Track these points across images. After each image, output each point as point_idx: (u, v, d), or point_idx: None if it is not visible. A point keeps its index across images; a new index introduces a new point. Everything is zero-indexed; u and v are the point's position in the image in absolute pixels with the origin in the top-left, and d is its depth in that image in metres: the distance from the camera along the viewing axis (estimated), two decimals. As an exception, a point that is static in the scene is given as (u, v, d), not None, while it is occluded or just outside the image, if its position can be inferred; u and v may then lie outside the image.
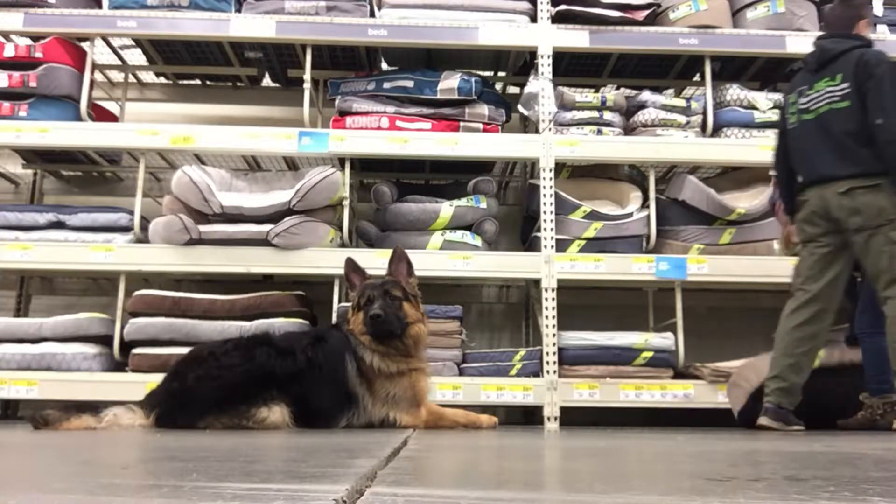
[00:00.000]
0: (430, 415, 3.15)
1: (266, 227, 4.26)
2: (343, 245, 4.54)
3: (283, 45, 4.79)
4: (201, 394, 2.89)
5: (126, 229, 4.43)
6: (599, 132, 4.62)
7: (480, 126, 4.63)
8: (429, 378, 3.28)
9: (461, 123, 4.62)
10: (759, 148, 4.37)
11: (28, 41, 4.69)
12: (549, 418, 4.09)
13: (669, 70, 5.15)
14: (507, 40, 4.67)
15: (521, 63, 5.22)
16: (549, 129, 4.53)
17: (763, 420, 3.43)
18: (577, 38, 4.65)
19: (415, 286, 3.32)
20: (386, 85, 4.70)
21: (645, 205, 4.61)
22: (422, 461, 1.65)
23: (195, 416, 2.85)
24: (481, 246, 4.49)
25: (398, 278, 3.28)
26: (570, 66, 5.11)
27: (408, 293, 3.23)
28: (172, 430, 2.73)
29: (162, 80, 5.62)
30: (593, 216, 4.50)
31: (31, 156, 5.17)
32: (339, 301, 4.29)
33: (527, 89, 4.59)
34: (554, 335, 4.21)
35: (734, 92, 4.75)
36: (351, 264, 3.34)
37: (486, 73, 5.32)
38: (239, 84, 5.57)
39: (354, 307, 3.22)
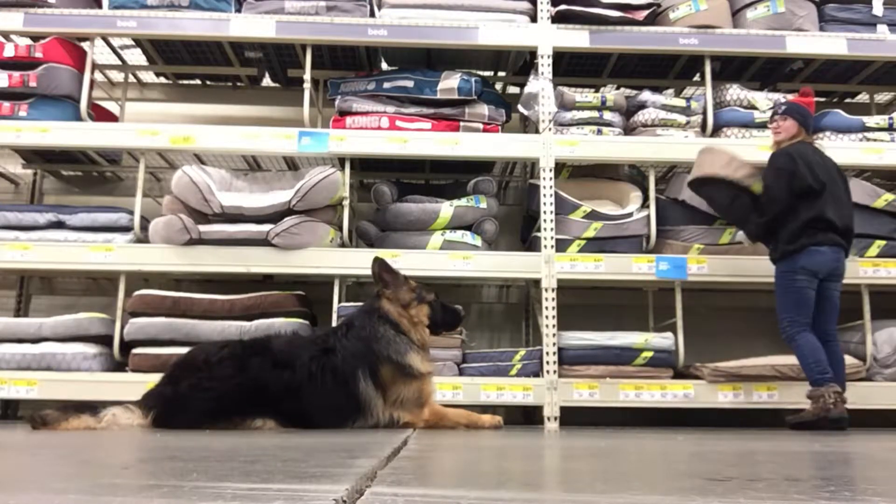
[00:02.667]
0: (432, 415, 3.16)
1: (266, 227, 4.26)
2: (343, 245, 4.54)
3: (283, 45, 4.79)
4: (193, 404, 2.89)
5: (126, 229, 4.43)
6: (599, 132, 4.62)
7: (480, 126, 4.62)
8: (433, 380, 3.33)
9: (461, 123, 4.62)
10: (759, 148, 4.36)
11: (28, 41, 4.69)
12: (549, 418, 4.09)
13: (669, 70, 5.15)
14: (507, 40, 4.67)
15: (521, 63, 5.22)
16: (549, 129, 4.53)
17: None
18: (577, 38, 4.64)
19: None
20: (386, 85, 4.69)
21: (645, 205, 4.61)
22: (422, 461, 1.65)
23: (189, 422, 2.85)
24: (481, 246, 4.49)
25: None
26: (570, 66, 5.10)
27: None
28: (172, 430, 2.73)
29: (162, 80, 5.62)
30: (593, 216, 4.50)
31: (31, 156, 5.16)
32: (339, 301, 4.29)
33: (527, 89, 4.59)
34: (554, 335, 4.21)
35: (734, 92, 4.75)
36: (383, 264, 3.34)
37: (486, 73, 5.32)
38: (239, 84, 5.57)
39: (413, 301, 3.29)
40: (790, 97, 4.75)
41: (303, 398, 2.97)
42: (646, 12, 4.68)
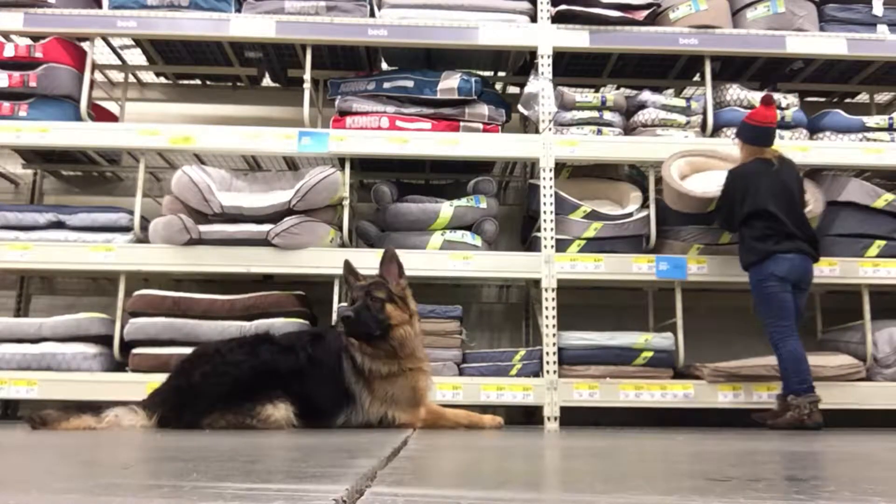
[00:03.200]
0: (429, 414, 3.15)
1: (266, 227, 4.26)
2: (343, 245, 4.54)
3: (283, 45, 4.79)
4: (207, 390, 2.92)
5: (126, 229, 4.43)
6: (599, 132, 4.62)
7: (480, 126, 4.62)
8: (430, 378, 3.28)
9: (461, 123, 4.62)
10: (759, 148, 4.35)
11: (28, 41, 4.69)
12: (549, 418, 4.09)
13: (669, 70, 5.15)
14: (507, 40, 4.67)
15: (521, 63, 5.22)
16: (549, 129, 4.53)
17: None
18: (577, 38, 4.64)
19: (404, 287, 3.25)
20: (386, 85, 4.69)
21: (645, 205, 4.61)
22: (422, 461, 1.65)
23: (200, 413, 2.87)
24: (481, 246, 4.49)
25: (388, 279, 3.23)
26: (570, 66, 5.10)
27: (392, 294, 3.16)
28: (174, 431, 2.73)
29: (162, 80, 5.62)
30: (593, 216, 4.50)
31: (31, 156, 5.16)
32: (339, 301, 4.29)
33: (527, 89, 4.59)
34: (554, 335, 4.21)
35: (734, 92, 4.75)
36: (347, 266, 3.34)
37: (486, 73, 5.32)
38: (239, 84, 5.57)
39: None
40: (791, 97, 4.77)
41: (306, 380, 3.05)
42: (646, 12, 4.68)
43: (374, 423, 3.06)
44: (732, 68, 5.14)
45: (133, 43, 5.10)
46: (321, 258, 4.31)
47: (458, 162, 4.94)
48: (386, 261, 3.29)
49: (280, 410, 2.89)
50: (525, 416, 4.84)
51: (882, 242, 4.48)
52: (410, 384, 3.14)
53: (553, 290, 4.28)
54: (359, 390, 3.08)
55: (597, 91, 4.92)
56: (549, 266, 4.32)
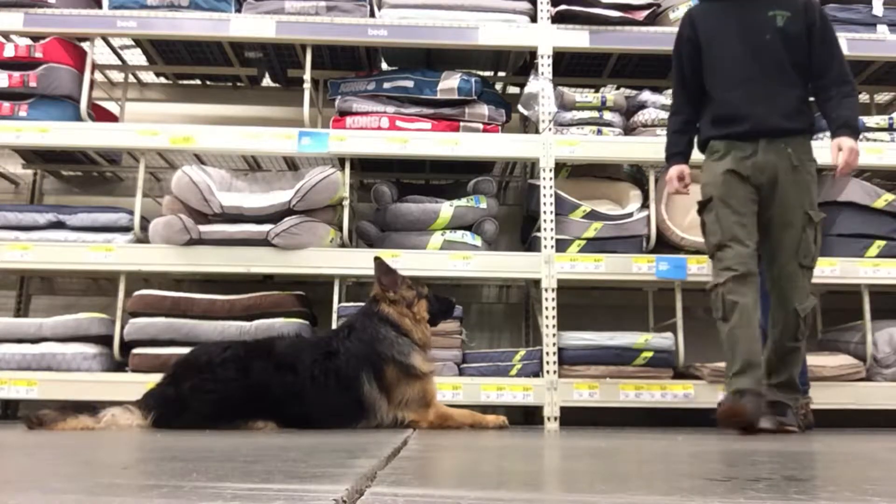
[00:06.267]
0: (437, 416, 3.17)
1: (266, 227, 4.26)
2: (343, 245, 4.54)
3: (283, 45, 4.78)
4: (194, 406, 2.88)
5: (126, 229, 4.43)
6: (599, 132, 4.62)
7: (480, 126, 4.62)
8: (434, 379, 3.34)
9: (461, 123, 4.62)
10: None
11: (28, 41, 4.68)
12: (548, 418, 4.09)
13: (669, 70, 5.14)
14: (507, 40, 4.67)
15: (521, 63, 5.22)
16: (549, 129, 4.53)
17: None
18: (577, 38, 4.64)
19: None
20: (386, 85, 4.69)
21: (645, 204, 4.61)
22: (422, 461, 1.65)
23: (191, 423, 2.85)
24: (481, 246, 4.49)
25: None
26: (570, 66, 5.10)
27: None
28: (172, 431, 2.73)
29: (162, 80, 5.62)
30: (593, 216, 4.50)
31: (31, 156, 5.16)
32: (340, 301, 4.29)
33: (527, 89, 4.59)
34: (554, 335, 4.21)
35: (734, 92, 4.74)
36: (381, 266, 3.35)
37: (486, 73, 5.32)
38: (239, 84, 5.57)
39: (414, 299, 3.32)
40: None
41: (305, 401, 2.97)
42: (646, 12, 4.68)
43: (387, 425, 3.07)
44: (732, 68, 5.13)
45: (133, 43, 5.10)
46: (321, 258, 4.31)
47: (458, 162, 4.94)
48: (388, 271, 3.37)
49: (269, 428, 2.89)
50: (525, 416, 4.84)
51: (882, 242, 4.48)
52: (423, 386, 3.17)
53: (553, 290, 4.28)
54: (378, 400, 3.06)
55: (597, 91, 4.92)
56: (549, 266, 4.32)
